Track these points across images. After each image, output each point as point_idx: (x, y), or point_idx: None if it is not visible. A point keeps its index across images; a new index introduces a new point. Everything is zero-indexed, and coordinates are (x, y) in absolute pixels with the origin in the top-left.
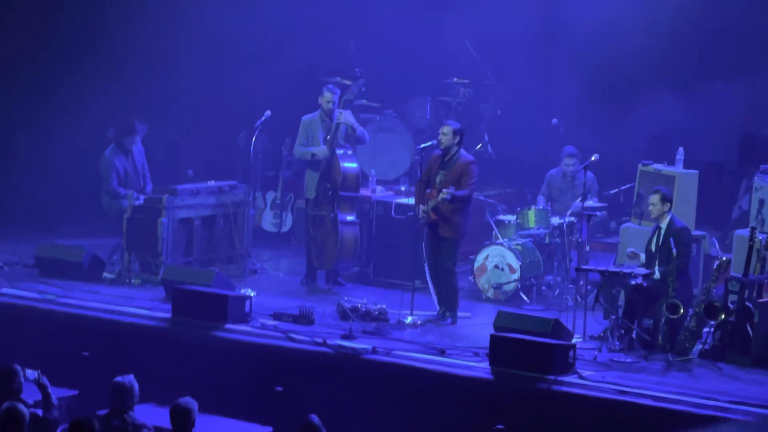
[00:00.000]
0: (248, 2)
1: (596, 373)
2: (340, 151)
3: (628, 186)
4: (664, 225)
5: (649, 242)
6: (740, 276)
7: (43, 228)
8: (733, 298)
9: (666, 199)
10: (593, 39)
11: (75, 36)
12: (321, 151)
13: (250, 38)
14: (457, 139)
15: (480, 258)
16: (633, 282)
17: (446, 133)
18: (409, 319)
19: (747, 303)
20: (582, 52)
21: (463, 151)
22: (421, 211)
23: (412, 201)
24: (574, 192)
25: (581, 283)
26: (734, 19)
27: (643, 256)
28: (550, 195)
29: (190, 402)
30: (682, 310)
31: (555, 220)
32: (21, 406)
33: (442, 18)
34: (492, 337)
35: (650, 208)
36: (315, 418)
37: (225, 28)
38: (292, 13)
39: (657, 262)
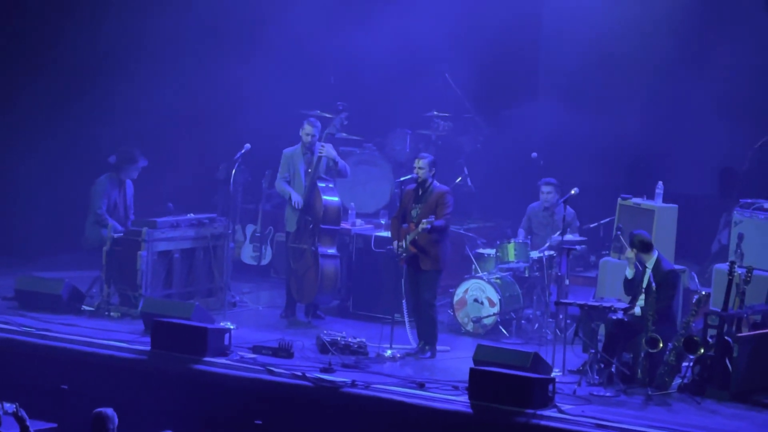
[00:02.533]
0: (226, 34)
1: (575, 407)
2: (321, 185)
3: (607, 220)
4: (650, 265)
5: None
6: (719, 310)
7: (22, 260)
8: (712, 332)
9: (642, 248)
10: (572, 74)
11: (55, 70)
12: (297, 199)
13: (229, 70)
14: (433, 171)
15: (459, 291)
16: (613, 316)
17: (423, 166)
18: (388, 353)
19: (726, 337)
20: (562, 87)
21: (436, 183)
22: (396, 247)
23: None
24: (554, 226)
25: (560, 316)
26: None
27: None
28: (530, 229)
29: None
30: (661, 345)
31: (534, 254)
32: None
33: (421, 51)
34: (471, 370)
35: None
36: None
37: (204, 59)
38: (271, 45)
39: (641, 300)
